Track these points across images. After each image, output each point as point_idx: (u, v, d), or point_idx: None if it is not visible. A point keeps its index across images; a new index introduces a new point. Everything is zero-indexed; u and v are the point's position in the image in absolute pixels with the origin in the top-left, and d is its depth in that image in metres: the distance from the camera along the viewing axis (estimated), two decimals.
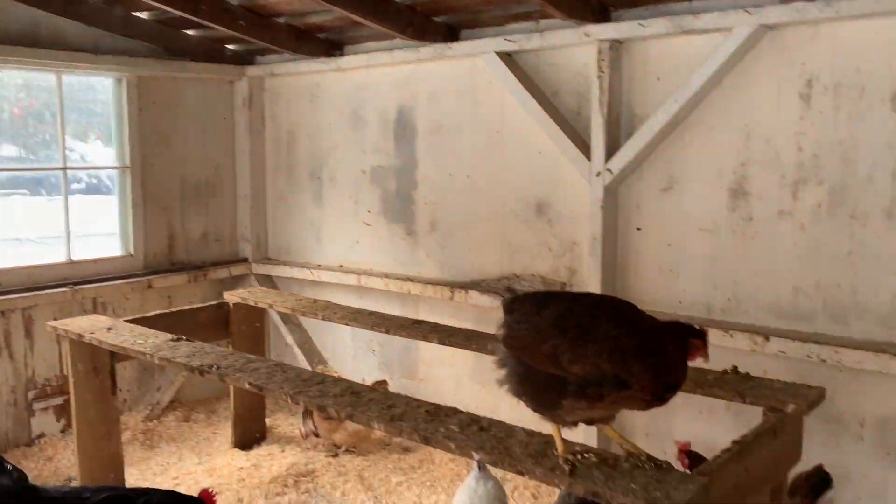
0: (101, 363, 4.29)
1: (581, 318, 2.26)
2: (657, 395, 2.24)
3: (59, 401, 5.27)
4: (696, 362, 2.31)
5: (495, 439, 2.56)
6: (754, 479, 2.68)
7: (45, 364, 5.24)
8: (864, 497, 3.73)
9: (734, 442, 2.61)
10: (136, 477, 4.63)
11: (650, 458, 2.34)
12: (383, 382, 5.15)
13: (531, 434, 2.59)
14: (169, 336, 3.92)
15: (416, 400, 2.97)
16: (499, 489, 3.48)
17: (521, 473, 2.40)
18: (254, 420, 5.31)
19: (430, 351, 5.35)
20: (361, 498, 4.47)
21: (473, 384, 5.13)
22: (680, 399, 2.31)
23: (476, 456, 2.51)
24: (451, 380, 5.25)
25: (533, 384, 2.30)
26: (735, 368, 3.25)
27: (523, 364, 2.31)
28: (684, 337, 2.26)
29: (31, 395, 5.18)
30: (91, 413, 4.32)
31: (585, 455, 2.36)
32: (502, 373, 2.38)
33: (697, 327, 2.31)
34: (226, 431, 5.32)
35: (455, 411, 2.84)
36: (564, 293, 2.52)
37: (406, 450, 5.19)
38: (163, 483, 4.58)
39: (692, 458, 3.60)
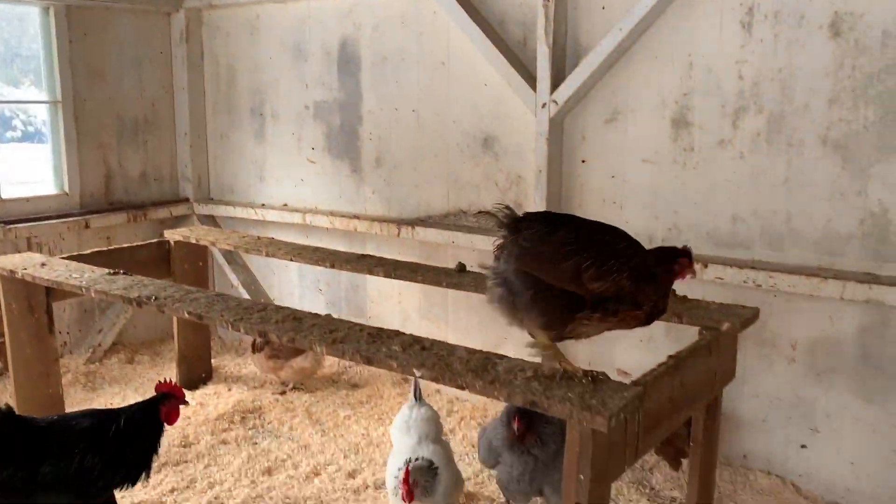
0: (36, 301, 4.17)
1: (601, 238, 2.33)
2: (654, 317, 2.37)
3: None
4: (686, 280, 2.46)
5: (436, 357, 2.58)
6: (689, 393, 2.76)
7: None
8: (795, 417, 3.88)
9: (670, 357, 2.67)
10: None
11: (586, 374, 2.38)
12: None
13: (472, 352, 2.62)
14: (106, 270, 3.82)
15: (358, 324, 2.97)
16: (433, 412, 3.57)
17: (461, 388, 2.42)
18: (199, 360, 5.26)
19: (377, 289, 5.34)
20: (309, 432, 4.48)
21: (422, 320, 5.14)
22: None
23: (417, 373, 2.52)
24: (400, 317, 5.25)
25: (546, 299, 2.29)
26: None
27: (532, 280, 2.29)
28: (674, 261, 2.39)
29: None
30: (28, 353, 4.21)
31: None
32: (499, 291, 2.35)
33: (681, 247, 2.44)
34: (171, 372, 5.25)
35: (397, 333, 2.84)
36: (567, 215, 2.52)
37: (354, 386, 5.22)
38: None
39: None
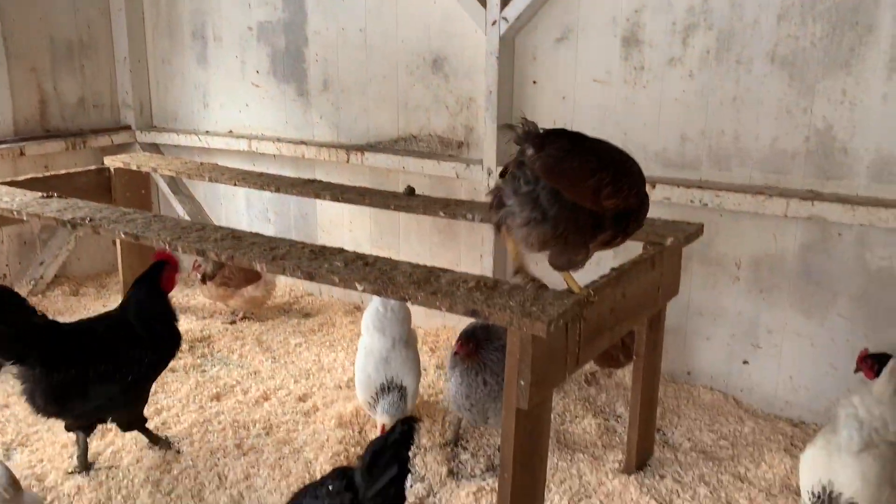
0: None
1: (616, 155, 2.36)
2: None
3: None
4: None
5: (379, 272, 2.54)
6: (632, 305, 2.78)
7: None
8: (738, 334, 3.97)
9: (612, 269, 2.69)
10: None
11: (532, 280, 2.39)
12: None
13: (415, 266, 2.59)
14: (39, 194, 3.67)
15: (301, 242, 2.91)
16: (405, 310, 3.62)
17: (403, 299, 2.40)
18: None
19: (327, 217, 5.26)
20: (259, 359, 4.45)
21: (374, 248, 5.08)
22: None
23: (359, 287, 2.48)
24: (351, 245, 5.11)
25: (572, 215, 2.24)
26: None
27: (556, 195, 2.23)
28: None
29: None
30: None
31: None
32: (526, 213, 2.25)
33: None
34: (116, 303, 5.12)
35: (340, 250, 2.80)
36: (579, 133, 2.43)
37: (306, 315, 5.18)
38: None
39: None
